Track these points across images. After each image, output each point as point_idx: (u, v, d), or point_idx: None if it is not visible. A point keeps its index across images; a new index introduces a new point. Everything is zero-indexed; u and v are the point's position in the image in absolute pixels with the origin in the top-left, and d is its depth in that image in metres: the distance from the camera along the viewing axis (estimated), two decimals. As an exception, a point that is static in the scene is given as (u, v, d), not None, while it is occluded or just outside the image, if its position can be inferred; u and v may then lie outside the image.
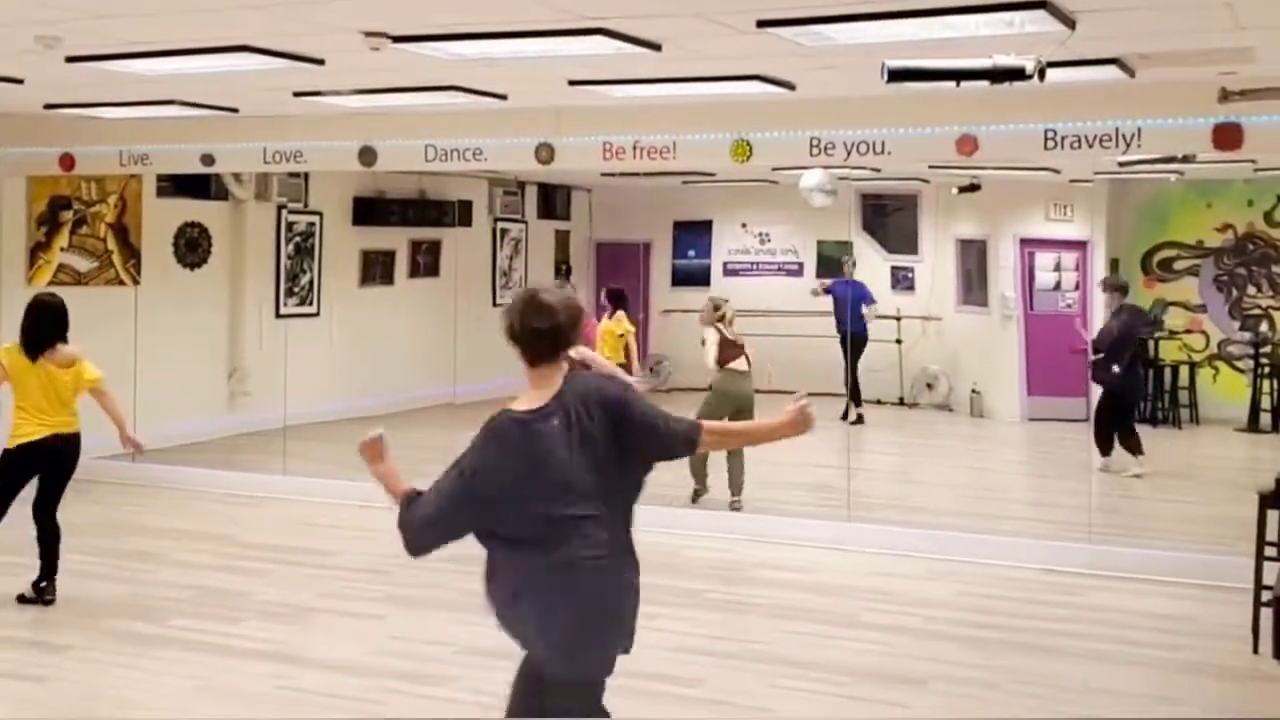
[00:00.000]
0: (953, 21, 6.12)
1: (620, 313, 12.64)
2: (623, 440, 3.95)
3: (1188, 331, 15.84)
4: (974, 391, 16.02)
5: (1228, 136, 8.17)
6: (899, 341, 16.41)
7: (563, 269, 18.47)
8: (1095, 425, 11.95)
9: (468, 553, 9.71)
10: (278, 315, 14.07)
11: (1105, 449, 11.84)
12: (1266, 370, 14.88)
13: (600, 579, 3.92)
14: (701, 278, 18.25)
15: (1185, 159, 10.88)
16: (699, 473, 10.51)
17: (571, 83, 8.57)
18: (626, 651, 4.15)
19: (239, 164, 11.94)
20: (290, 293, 14.36)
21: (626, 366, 12.24)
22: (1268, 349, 15.04)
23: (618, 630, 4.08)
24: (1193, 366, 15.38)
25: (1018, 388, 15.57)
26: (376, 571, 8.56)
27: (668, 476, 11.23)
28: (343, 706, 6.05)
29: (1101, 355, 11.83)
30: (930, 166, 12.85)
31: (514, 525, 3.97)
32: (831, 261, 16.96)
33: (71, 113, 10.64)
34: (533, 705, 4.07)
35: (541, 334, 3.95)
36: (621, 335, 12.40)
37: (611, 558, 3.93)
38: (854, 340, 14.85)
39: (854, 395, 14.68)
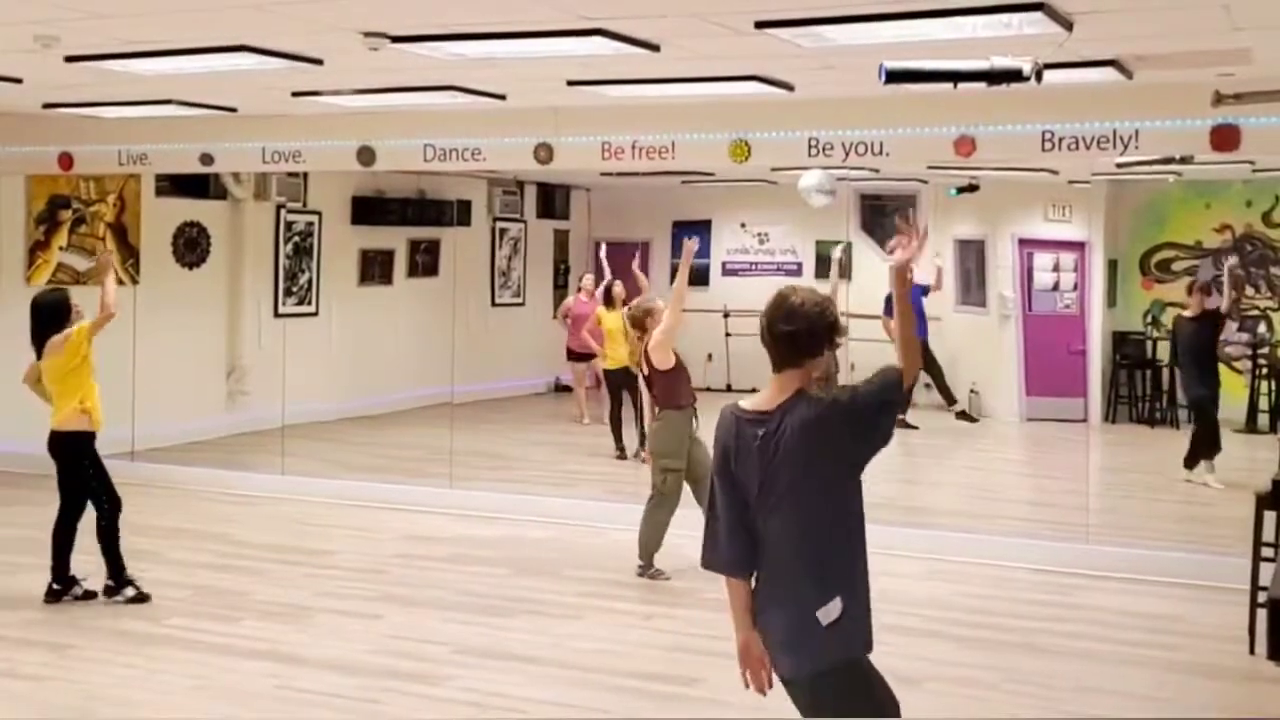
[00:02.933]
0: (951, 23, 6.13)
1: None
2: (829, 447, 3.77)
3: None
4: (972, 391, 16.02)
5: (1226, 138, 8.18)
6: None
7: (562, 269, 18.50)
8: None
9: (465, 553, 9.73)
10: (276, 314, 14.08)
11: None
12: (1264, 371, 14.89)
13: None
14: (700, 277, 18.22)
15: (1183, 160, 10.89)
16: None
17: (570, 83, 8.58)
18: (785, 680, 3.96)
19: (238, 163, 11.94)
20: (289, 292, 14.37)
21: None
22: (1265, 350, 15.05)
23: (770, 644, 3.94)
24: (1190, 367, 15.38)
25: (1016, 388, 15.59)
26: (374, 571, 8.57)
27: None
28: (340, 705, 6.06)
29: None
30: (929, 167, 12.86)
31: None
32: (830, 262, 16.96)
33: (70, 112, 10.64)
34: None
35: (791, 336, 3.78)
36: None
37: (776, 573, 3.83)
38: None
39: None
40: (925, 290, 15.25)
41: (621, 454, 12.76)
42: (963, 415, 14.75)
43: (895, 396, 3.78)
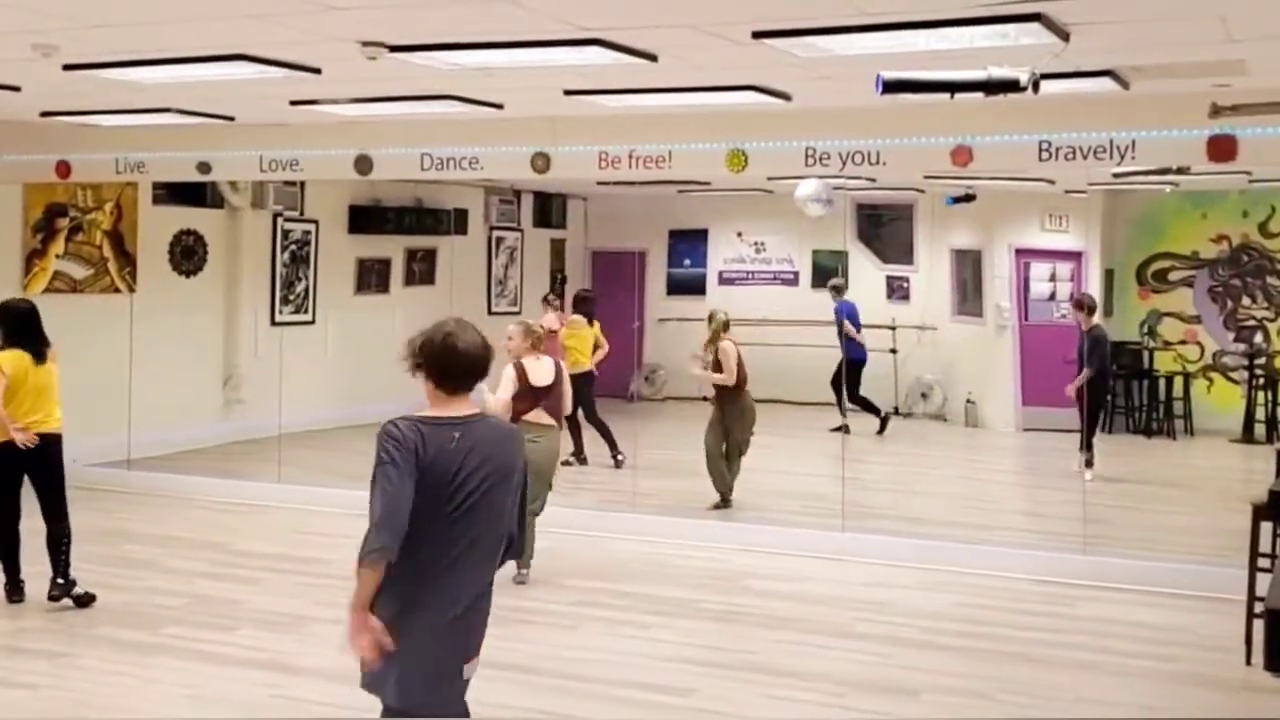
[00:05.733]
0: (948, 33, 6.14)
1: (581, 318, 12.87)
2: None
3: (1182, 343, 15.89)
4: (969, 401, 16.03)
5: (1222, 149, 8.20)
6: (894, 351, 16.44)
7: (558, 277, 18.51)
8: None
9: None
10: (273, 323, 14.07)
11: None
12: (1261, 381, 14.91)
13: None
14: (697, 286, 18.27)
15: (1180, 170, 10.90)
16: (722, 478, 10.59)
17: (567, 92, 8.59)
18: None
19: (235, 172, 11.94)
20: (286, 300, 14.37)
21: (588, 374, 12.36)
22: (1262, 360, 15.08)
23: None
24: (1187, 377, 15.42)
25: (1012, 398, 15.59)
26: (370, 580, 8.55)
27: (662, 484, 11.24)
28: (335, 715, 6.04)
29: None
30: (925, 177, 12.88)
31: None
32: (826, 271, 17.00)
33: (68, 120, 10.64)
34: None
35: (476, 364, 4.13)
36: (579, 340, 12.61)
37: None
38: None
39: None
40: (852, 311, 15.19)
41: (581, 459, 12.75)
42: (841, 429, 14.63)
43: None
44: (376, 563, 3.98)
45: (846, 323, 14.79)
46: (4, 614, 7.59)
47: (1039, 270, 15.96)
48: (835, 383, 14.61)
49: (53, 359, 7.73)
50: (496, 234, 17.43)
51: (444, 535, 4.00)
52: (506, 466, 4.12)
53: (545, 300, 14.79)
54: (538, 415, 8.19)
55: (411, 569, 4.01)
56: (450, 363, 4.10)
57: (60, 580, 7.65)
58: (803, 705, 6.29)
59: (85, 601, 7.66)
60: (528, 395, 8.17)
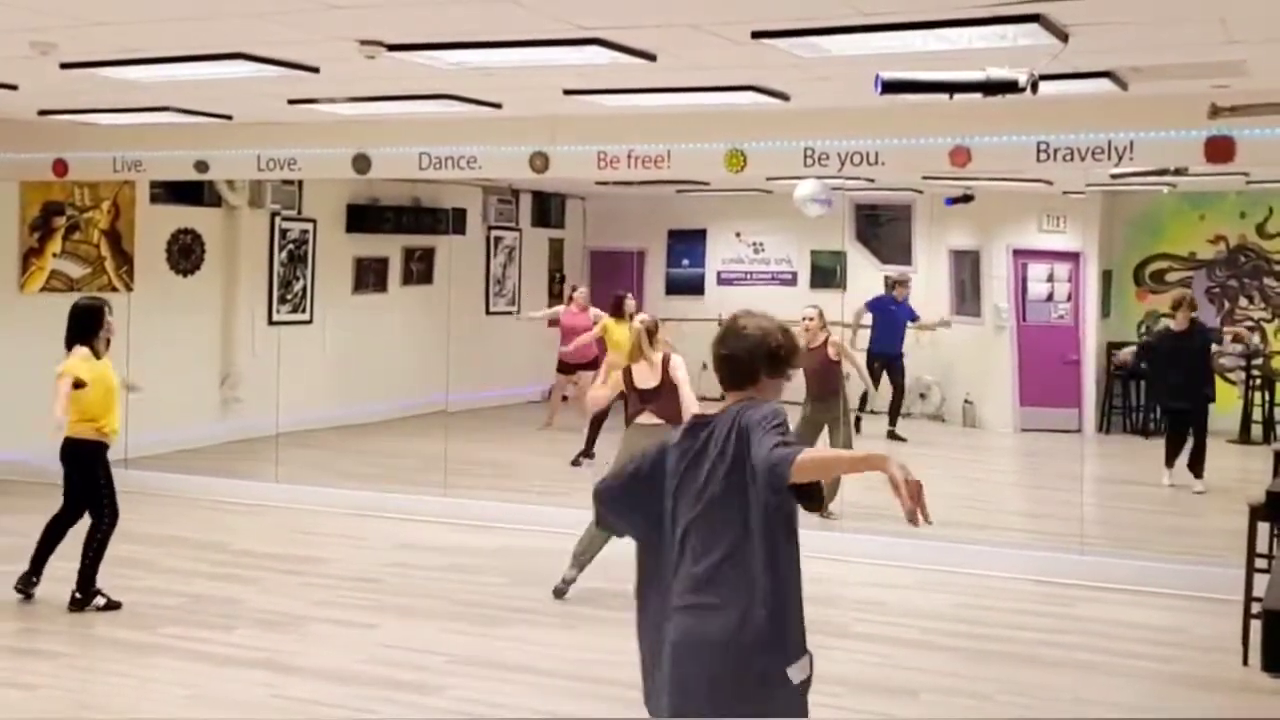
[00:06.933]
0: (947, 34, 6.15)
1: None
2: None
3: (1180, 344, 15.86)
4: (967, 402, 16.03)
5: (1220, 150, 8.21)
6: (892, 352, 16.43)
7: (557, 277, 18.51)
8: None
9: (460, 562, 9.70)
10: (271, 322, 14.06)
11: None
12: (1258, 382, 14.91)
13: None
14: (695, 286, 18.26)
15: (1178, 171, 10.90)
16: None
17: (566, 92, 8.59)
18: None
19: (233, 171, 11.93)
20: (283, 300, 14.35)
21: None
22: (1259, 361, 15.07)
23: (663, 679, 3.62)
24: (1185, 378, 15.40)
25: (1010, 398, 15.59)
26: (369, 580, 8.56)
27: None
28: (334, 715, 6.04)
29: None
30: (924, 177, 12.87)
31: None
32: (825, 271, 16.98)
33: (65, 119, 10.64)
34: None
35: (726, 360, 3.70)
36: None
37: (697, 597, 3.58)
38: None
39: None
40: (915, 317, 15.35)
41: (590, 456, 12.71)
42: (893, 435, 14.60)
43: (771, 479, 3.51)
44: None
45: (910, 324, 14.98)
46: (5, 614, 7.58)
47: (1037, 271, 15.96)
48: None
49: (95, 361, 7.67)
50: (495, 233, 17.41)
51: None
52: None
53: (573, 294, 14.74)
54: (646, 417, 8.08)
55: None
56: None
57: (78, 595, 7.62)
58: (801, 705, 6.29)
59: (110, 607, 7.62)
60: (633, 397, 8.10)
